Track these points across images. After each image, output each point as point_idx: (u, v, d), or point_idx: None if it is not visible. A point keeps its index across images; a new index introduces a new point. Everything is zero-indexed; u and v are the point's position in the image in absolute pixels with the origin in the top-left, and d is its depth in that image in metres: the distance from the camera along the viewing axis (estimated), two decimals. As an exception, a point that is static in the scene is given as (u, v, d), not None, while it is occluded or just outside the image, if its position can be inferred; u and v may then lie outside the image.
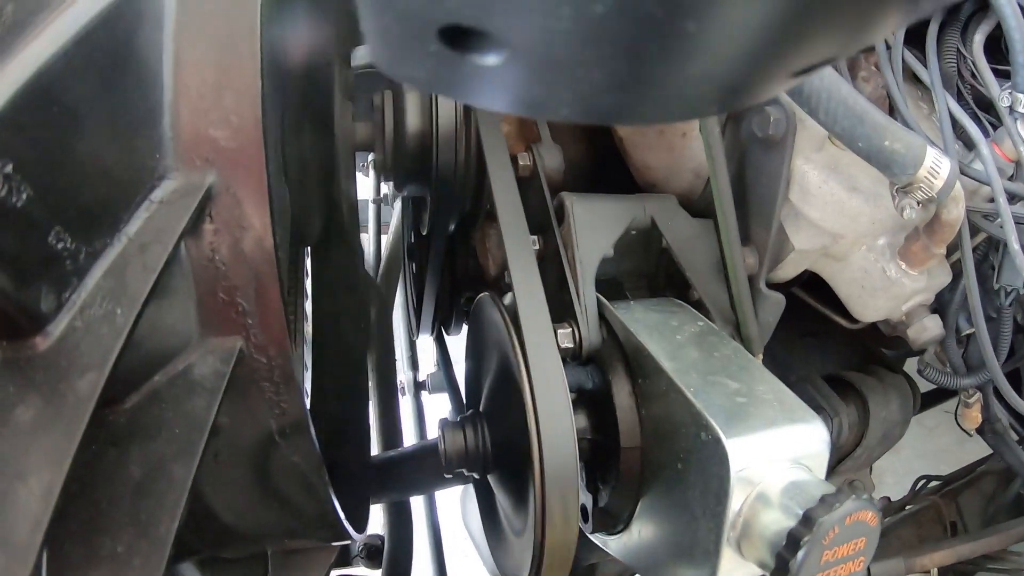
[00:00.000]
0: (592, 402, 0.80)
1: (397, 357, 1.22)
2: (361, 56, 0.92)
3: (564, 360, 0.75)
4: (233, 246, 0.55)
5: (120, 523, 0.52)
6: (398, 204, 1.27)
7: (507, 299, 0.77)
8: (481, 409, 0.82)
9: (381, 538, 1.06)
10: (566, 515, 0.70)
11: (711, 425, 0.65)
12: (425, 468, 0.97)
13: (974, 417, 0.95)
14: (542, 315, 0.70)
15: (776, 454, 0.65)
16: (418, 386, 1.42)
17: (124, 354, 0.48)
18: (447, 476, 0.79)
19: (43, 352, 0.48)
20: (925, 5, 0.24)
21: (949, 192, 0.74)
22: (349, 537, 0.79)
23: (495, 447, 0.79)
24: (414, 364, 1.42)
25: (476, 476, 0.81)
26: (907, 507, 1.27)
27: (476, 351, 0.84)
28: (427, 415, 1.42)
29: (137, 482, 0.53)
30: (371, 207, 1.47)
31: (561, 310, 0.79)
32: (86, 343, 0.48)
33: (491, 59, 0.24)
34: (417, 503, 1.21)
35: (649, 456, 0.76)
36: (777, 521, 0.59)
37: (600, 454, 0.80)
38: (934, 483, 1.29)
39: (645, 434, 0.76)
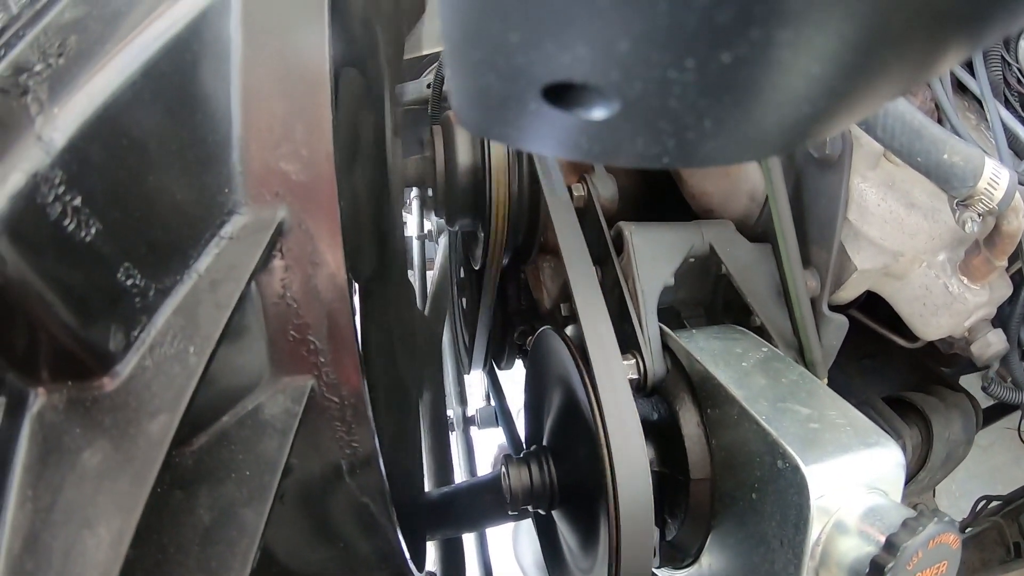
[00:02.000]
0: (658, 434, 0.74)
1: (446, 393, 1.17)
2: (408, 93, 0.88)
3: (629, 392, 0.70)
4: (305, 283, 0.51)
5: (189, 570, 0.46)
6: (443, 240, 1.23)
7: (568, 331, 0.72)
8: (545, 444, 0.76)
9: (433, 575, 0.99)
10: (641, 553, 0.64)
11: (788, 453, 0.60)
12: (480, 504, 0.91)
13: (1042, 434, 0.88)
14: (610, 346, 0.64)
15: (852, 479, 0.60)
16: (467, 421, 1.35)
17: (197, 395, 0.43)
18: (512, 513, 0.72)
19: (111, 393, 0.43)
20: (991, 34, 0.22)
21: (1009, 203, 0.68)
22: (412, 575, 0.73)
23: (562, 483, 0.73)
24: (463, 399, 1.36)
25: (541, 512, 0.74)
26: (968, 529, 1.18)
27: (537, 385, 0.78)
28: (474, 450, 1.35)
29: (206, 527, 0.48)
30: (415, 243, 1.43)
31: (624, 341, 0.73)
32: (157, 383, 0.43)
33: (598, 113, 0.22)
34: (468, 539, 1.14)
35: (720, 487, 0.70)
36: (856, 548, 0.56)
37: (668, 487, 0.73)
38: (994, 503, 1.20)
39: (715, 465, 0.70)
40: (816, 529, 0.58)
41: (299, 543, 0.64)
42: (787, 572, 0.61)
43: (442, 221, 0.87)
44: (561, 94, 0.22)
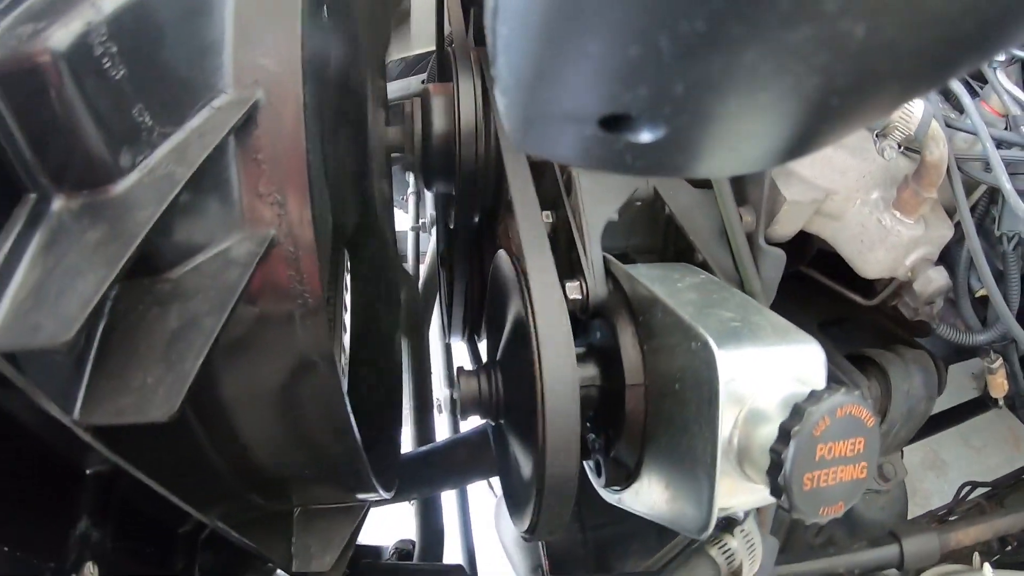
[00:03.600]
0: (601, 353, 0.87)
1: (434, 374, 1.31)
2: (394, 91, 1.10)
3: (574, 313, 0.85)
4: (272, 148, 0.70)
5: (152, 361, 0.63)
6: (435, 232, 1.42)
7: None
8: (498, 359, 0.91)
9: (412, 543, 1.09)
10: (567, 444, 0.75)
11: (700, 334, 0.71)
12: (454, 459, 1.03)
13: (1000, 384, 0.96)
14: (546, 265, 0.80)
15: (770, 371, 0.69)
16: (454, 403, 1.47)
17: (180, 197, 0.62)
18: (461, 419, 0.86)
19: (114, 197, 0.63)
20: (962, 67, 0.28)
21: (926, 130, 0.83)
22: (375, 489, 0.86)
23: (507, 394, 0.87)
24: (451, 381, 1.48)
25: (491, 422, 0.87)
26: (952, 517, 1.21)
27: (493, 307, 0.94)
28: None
29: (173, 331, 0.65)
30: (410, 235, 1.62)
31: (571, 268, 0.89)
32: (150, 191, 0.63)
33: (645, 137, 0.27)
34: (451, 516, 1.24)
35: (653, 394, 0.81)
36: (773, 433, 0.61)
37: (609, 400, 0.86)
38: (980, 490, 1.24)
39: (648, 372, 0.82)
40: (730, 412, 0.67)
41: (269, 436, 0.80)
42: (704, 453, 0.69)
43: (434, 214, 1.07)
44: (616, 122, 0.27)
